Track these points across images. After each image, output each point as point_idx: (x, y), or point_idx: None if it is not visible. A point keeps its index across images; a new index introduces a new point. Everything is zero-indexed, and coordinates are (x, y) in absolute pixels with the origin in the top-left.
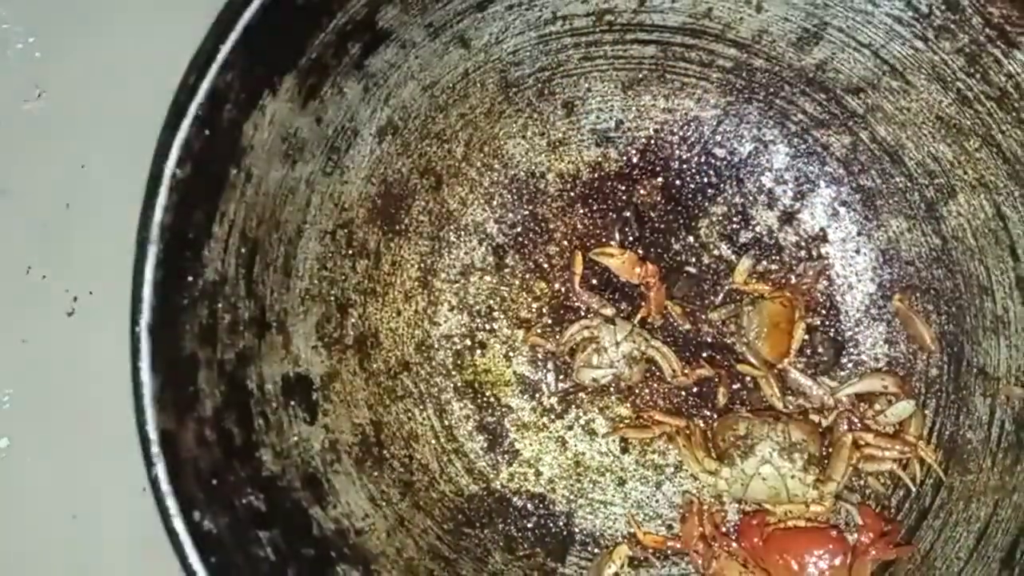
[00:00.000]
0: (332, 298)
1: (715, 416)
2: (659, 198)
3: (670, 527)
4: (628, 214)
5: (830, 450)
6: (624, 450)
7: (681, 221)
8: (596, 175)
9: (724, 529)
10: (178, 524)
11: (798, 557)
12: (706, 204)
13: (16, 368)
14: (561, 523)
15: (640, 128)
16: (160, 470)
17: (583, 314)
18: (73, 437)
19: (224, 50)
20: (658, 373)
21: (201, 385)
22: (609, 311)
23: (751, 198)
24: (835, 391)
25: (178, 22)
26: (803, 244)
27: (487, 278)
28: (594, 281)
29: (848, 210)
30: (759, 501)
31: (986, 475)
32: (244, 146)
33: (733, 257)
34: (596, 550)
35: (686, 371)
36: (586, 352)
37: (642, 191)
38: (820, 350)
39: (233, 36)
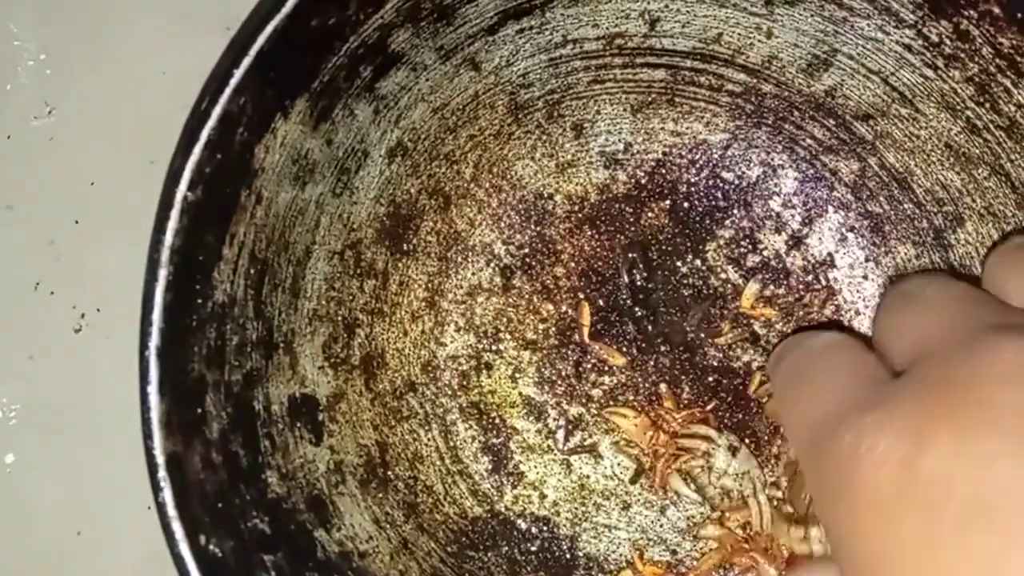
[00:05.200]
0: (339, 318)
1: None
2: (667, 221)
3: (674, 552)
4: (634, 255)
5: None
6: (634, 480)
7: (688, 244)
8: (604, 197)
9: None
10: (184, 548)
11: None
12: (714, 227)
13: (23, 384)
14: (565, 547)
15: (649, 151)
16: (167, 494)
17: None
18: (79, 454)
19: (237, 75)
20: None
21: (208, 407)
22: (728, 440)
23: (759, 222)
24: None
25: (189, 40)
26: (811, 269)
27: (494, 299)
28: (599, 327)
29: (856, 236)
30: None
31: None
32: (255, 168)
33: (740, 281)
34: (600, 574)
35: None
36: (691, 463)
37: (650, 214)
38: None
39: (246, 61)
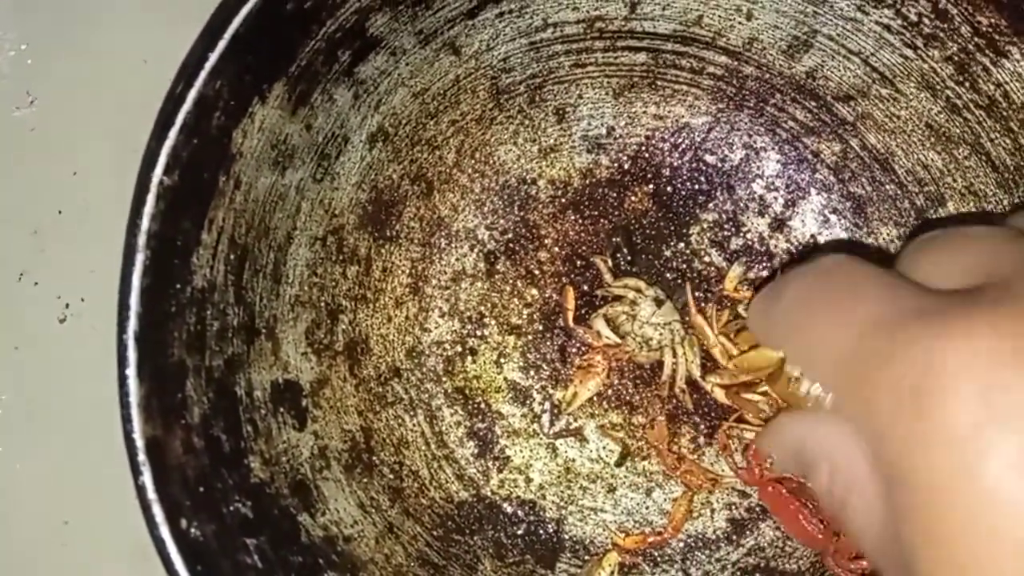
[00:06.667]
0: (322, 304)
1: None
2: (650, 205)
3: (660, 535)
4: (617, 239)
5: None
6: (620, 463)
7: (672, 228)
8: (587, 182)
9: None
10: (164, 532)
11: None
12: (697, 211)
13: (8, 375)
14: (551, 530)
15: (631, 135)
16: (146, 478)
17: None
18: (65, 444)
19: (212, 58)
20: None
21: (189, 392)
22: (655, 293)
23: (742, 205)
24: None
25: (171, 29)
26: (794, 251)
27: (478, 284)
28: (584, 312)
29: (839, 217)
30: None
31: None
32: (233, 153)
33: (724, 264)
34: (586, 557)
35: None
36: (616, 309)
37: (633, 198)
38: None
39: (221, 44)
